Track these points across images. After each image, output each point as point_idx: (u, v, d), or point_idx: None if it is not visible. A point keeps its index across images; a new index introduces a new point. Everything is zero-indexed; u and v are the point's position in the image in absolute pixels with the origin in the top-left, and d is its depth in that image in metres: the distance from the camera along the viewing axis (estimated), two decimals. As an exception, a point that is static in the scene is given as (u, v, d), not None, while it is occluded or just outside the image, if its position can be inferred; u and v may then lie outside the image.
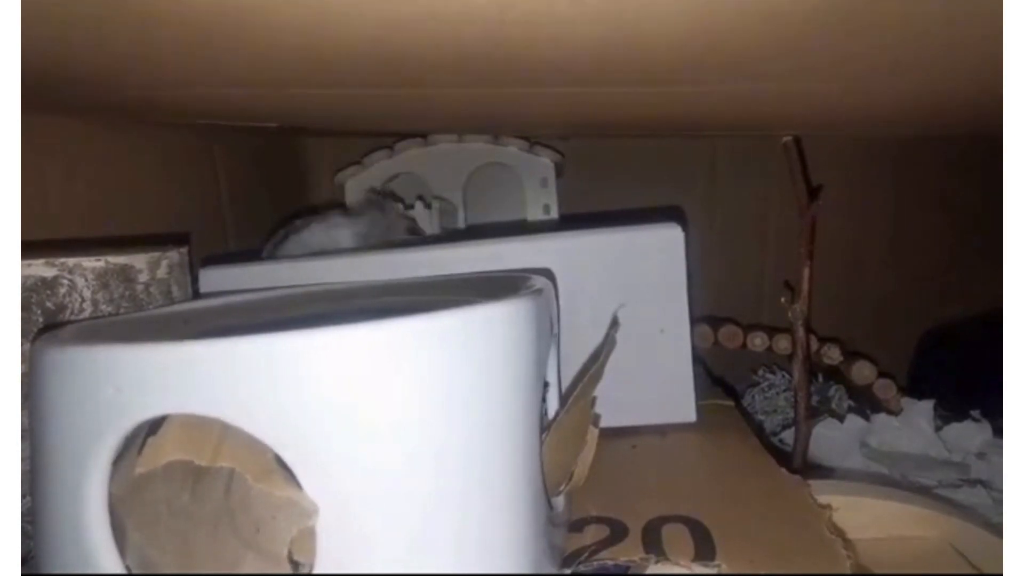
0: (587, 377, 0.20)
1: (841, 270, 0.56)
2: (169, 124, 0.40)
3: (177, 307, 0.23)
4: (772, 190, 0.55)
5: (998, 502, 0.28)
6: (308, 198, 0.61)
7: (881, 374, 0.44)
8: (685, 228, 0.30)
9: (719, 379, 0.41)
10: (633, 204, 0.56)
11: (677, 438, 0.29)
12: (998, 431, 0.33)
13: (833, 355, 0.45)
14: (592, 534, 0.21)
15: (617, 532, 0.21)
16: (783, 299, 0.32)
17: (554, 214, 0.53)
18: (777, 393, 0.49)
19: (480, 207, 0.54)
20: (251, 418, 0.14)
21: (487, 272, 0.27)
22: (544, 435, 0.18)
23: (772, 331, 0.46)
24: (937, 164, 0.53)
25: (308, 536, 0.14)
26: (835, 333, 0.49)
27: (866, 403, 0.45)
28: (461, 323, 0.15)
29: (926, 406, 0.35)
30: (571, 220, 0.52)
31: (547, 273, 0.23)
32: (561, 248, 0.30)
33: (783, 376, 0.50)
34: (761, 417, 0.48)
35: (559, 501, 0.21)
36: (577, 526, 0.22)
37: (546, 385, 0.22)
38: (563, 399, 0.19)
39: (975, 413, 0.34)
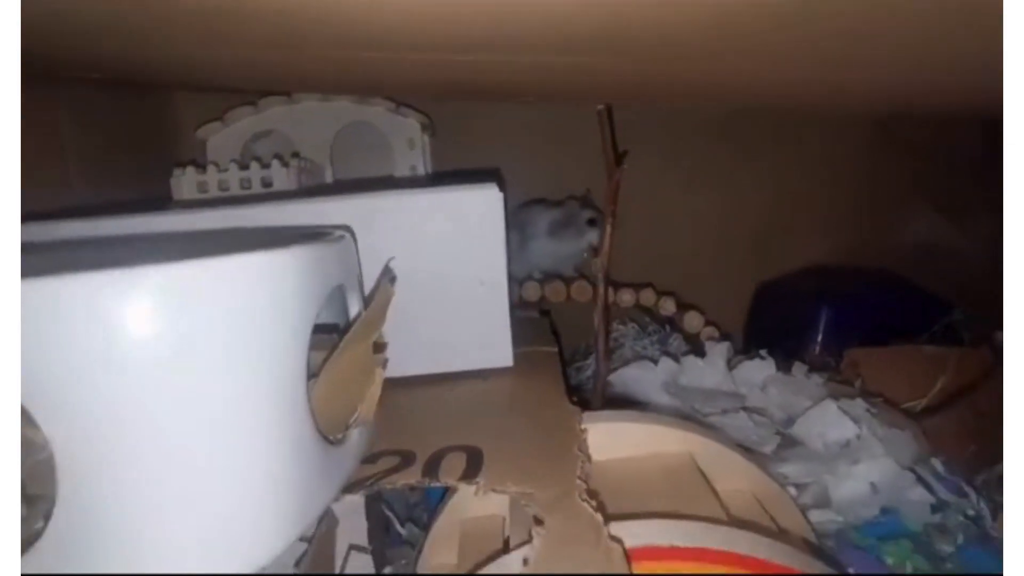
0: (359, 322, 0.22)
1: (694, 235, 0.61)
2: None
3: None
4: (652, 157, 0.58)
5: (758, 424, 0.33)
6: (174, 153, 0.59)
7: (708, 323, 0.50)
8: (503, 189, 0.32)
9: (555, 330, 0.44)
10: (506, 163, 0.58)
11: (495, 381, 0.32)
12: (780, 366, 0.39)
13: (668, 307, 0.50)
14: (383, 464, 0.24)
15: (406, 461, 0.24)
16: (585, 254, 0.36)
17: (421, 174, 0.54)
18: (623, 343, 0.53)
19: (348, 167, 0.54)
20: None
21: (287, 227, 0.28)
22: (312, 378, 0.20)
23: (619, 286, 0.50)
24: (768, 139, 0.59)
25: (49, 471, 0.15)
26: (684, 288, 0.54)
27: (699, 348, 0.50)
28: (200, 273, 0.16)
29: (723, 347, 0.40)
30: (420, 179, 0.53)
31: (347, 229, 0.25)
32: (388, 205, 0.32)
33: (632, 327, 0.54)
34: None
35: (352, 434, 0.23)
36: (372, 458, 0.24)
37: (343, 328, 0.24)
38: (333, 346, 0.21)
39: (762, 352, 0.39)
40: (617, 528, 0.18)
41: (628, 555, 0.17)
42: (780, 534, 0.22)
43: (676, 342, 0.52)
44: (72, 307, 0.16)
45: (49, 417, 0.15)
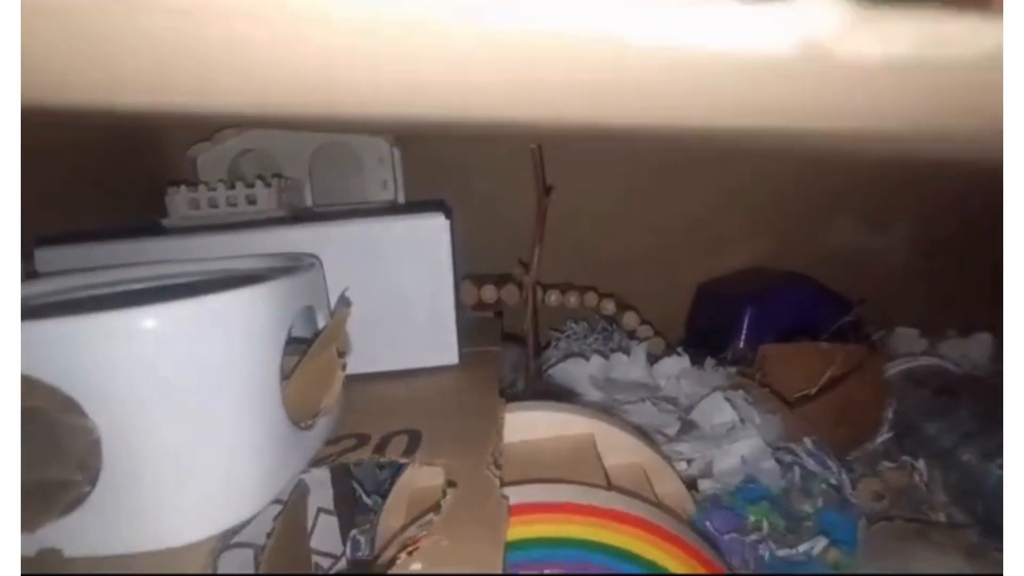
0: (320, 337, 0.28)
1: (641, 242, 0.67)
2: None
3: None
4: (600, 170, 0.63)
5: (662, 410, 0.40)
6: (164, 174, 0.64)
7: (643, 322, 0.57)
8: (449, 217, 0.39)
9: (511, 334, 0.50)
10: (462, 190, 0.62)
11: (443, 376, 0.39)
12: (694, 361, 0.45)
13: (608, 307, 0.56)
14: (343, 444, 0.30)
15: (361, 441, 0.30)
16: (517, 271, 0.42)
17: (391, 187, 0.60)
18: (575, 339, 0.60)
19: (325, 183, 0.60)
20: (54, 374, 0.21)
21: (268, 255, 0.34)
22: (285, 380, 0.26)
23: (566, 289, 0.57)
24: (709, 154, 0.65)
25: (97, 449, 0.22)
26: (633, 291, 0.61)
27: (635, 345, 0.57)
28: (197, 309, 0.23)
29: (644, 345, 0.46)
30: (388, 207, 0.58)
31: (315, 257, 0.31)
32: (352, 232, 0.38)
33: (584, 325, 0.61)
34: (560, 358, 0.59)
35: (320, 422, 0.30)
36: (335, 440, 0.31)
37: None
38: (302, 354, 0.28)
39: (678, 349, 0.46)
40: (508, 490, 0.25)
41: (510, 508, 0.24)
42: (636, 494, 0.29)
43: (619, 339, 0.59)
44: (105, 334, 0.22)
45: (94, 410, 0.21)
